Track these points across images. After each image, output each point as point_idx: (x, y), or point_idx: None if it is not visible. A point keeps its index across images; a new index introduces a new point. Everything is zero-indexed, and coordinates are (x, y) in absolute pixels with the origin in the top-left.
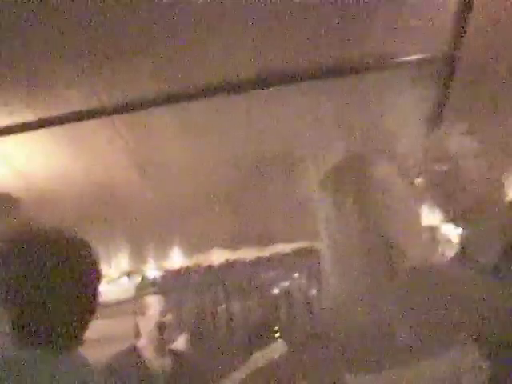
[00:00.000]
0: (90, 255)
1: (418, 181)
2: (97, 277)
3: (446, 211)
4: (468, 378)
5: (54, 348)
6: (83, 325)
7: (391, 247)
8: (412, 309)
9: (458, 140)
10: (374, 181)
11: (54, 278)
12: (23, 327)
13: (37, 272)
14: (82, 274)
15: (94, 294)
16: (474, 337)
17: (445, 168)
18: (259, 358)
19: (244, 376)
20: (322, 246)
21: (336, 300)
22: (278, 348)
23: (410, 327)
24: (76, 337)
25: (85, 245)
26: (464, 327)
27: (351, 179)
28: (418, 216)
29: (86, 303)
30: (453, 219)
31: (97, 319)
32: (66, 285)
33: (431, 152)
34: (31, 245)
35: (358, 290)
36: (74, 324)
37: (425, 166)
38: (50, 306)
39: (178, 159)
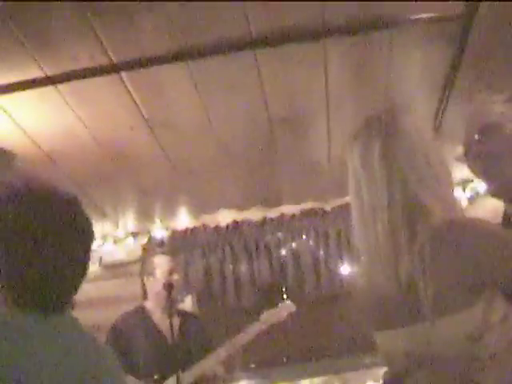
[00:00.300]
0: (82, 215)
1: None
2: (88, 237)
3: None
4: (491, 334)
5: (45, 309)
6: (74, 285)
7: (415, 204)
8: (434, 268)
9: (501, 108)
10: (402, 136)
11: (44, 236)
12: (13, 287)
13: (26, 229)
14: (74, 233)
15: (85, 255)
16: (500, 293)
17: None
18: (268, 318)
19: (253, 335)
20: (350, 201)
21: (361, 254)
22: (286, 308)
23: (433, 286)
24: (67, 297)
25: (77, 204)
26: (488, 285)
27: (380, 134)
28: (445, 174)
29: (76, 263)
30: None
31: (104, 280)
32: (57, 243)
33: (474, 120)
34: (22, 200)
35: (380, 244)
36: (65, 284)
37: (468, 136)
38: (39, 265)
39: (188, 118)
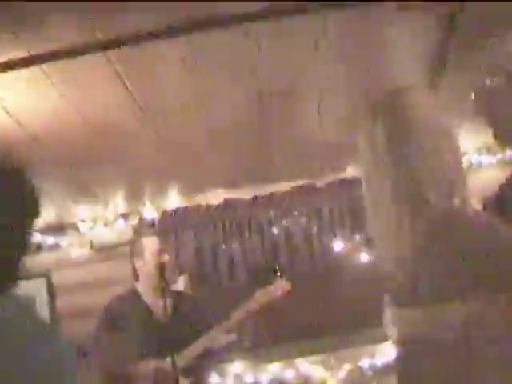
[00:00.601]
0: (30, 189)
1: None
2: (32, 213)
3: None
4: (495, 324)
5: None
6: (16, 262)
7: (419, 185)
8: (433, 254)
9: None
10: (409, 117)
11: None
12: None
13: None
14: (17, 208)
15: (27, 231)
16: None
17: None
18: (262, 296)
19: (246, 313)
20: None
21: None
22: (280, 286)
23: (432, 271)
24: (9, 275)
25: (24, 176)
26: (488, 278)
27: (387, 113)
28: (453, 158)
29: (17, 239)
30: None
31: (95, 262)
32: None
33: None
34: None
35: (384, 223)
36: (6, 261)
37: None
38: None
39: (177, 97)
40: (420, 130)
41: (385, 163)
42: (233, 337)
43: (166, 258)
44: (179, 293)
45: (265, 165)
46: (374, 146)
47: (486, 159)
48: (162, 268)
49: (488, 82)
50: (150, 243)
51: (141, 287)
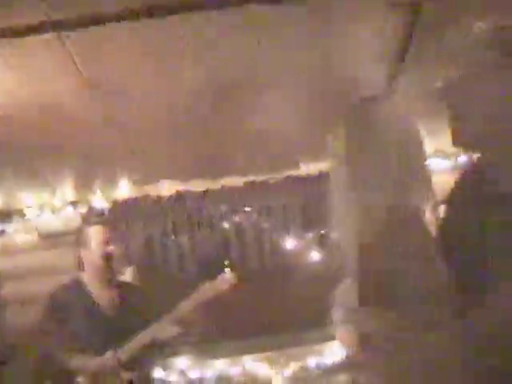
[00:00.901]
0: None
1: None
2: None
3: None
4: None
5: None
6: None
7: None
8: (385, 254)
9: None
10: (379, 121)
11: None
12: None
13: None
14: None
15: None
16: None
17: None
18: (207, 289)
19: (193, 306)
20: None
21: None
22: (226, 279)
23: (383, 271)
24: None
25: None
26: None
27: (359, 119)
28: (419, 158)
29: None
30: None
31: (41, 250)
32: None
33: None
34: None
35: (350, 219)
36: None
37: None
38: None
39: (132, 84)
40: (383, 133)
41: (348, 164)
42: (178, 329)
43: (112, 248)
44: (126, 284)
45: (218, 158)
46: (338, 147)
47: (440, 163)
48: (108, 258)
49: (449, 78)
50: (97, 232)
51: (86, 277)
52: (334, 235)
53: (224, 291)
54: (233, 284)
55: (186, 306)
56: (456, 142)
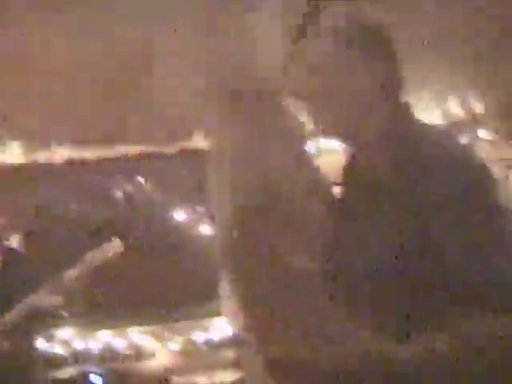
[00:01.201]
0: None
1: None
2: None
3: None
4: None
5: None
6: None
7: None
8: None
9: None
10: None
11: None
12: None
13: None
14: None
15: None
16: None
17: None
18: (92, 258)
19: (79, 273)
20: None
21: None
22: (112, 247)
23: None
24: None
25: None
26: None
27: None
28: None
29: None
30: None
31: None
32: None
33: None
34: None
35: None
36: None
37: None
38: None
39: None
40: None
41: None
42: (61, 299)
43: None
44: (11, 250)
45: (115, 125)
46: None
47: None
48: None
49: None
50: None
51: None
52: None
53: (110, 259)
54: (119, 252)
55: (70, 275)
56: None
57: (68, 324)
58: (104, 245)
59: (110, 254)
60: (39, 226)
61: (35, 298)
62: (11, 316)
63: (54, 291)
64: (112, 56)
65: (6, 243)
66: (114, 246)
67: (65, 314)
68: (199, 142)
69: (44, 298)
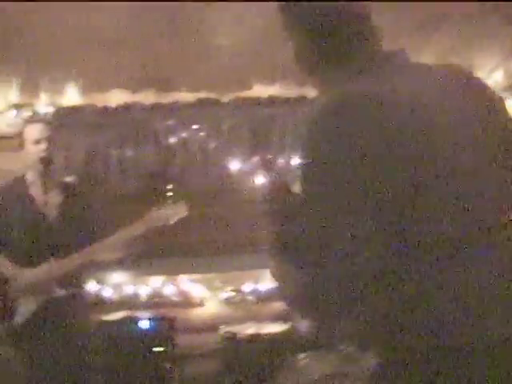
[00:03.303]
0: None
1: None
2: None
3: None
4: None
5: None
6: None
7: None
8: None
9: None
10: None
11: None
12: None
13: None
14: None
15: None
16: None
17: None
18: (154, 219)
19: (133, 234)
20: None
21: None
22: (176, 211)
23: None
24: None
25: None
26: None
27: None
28: None
29: None
30: None
31: None
32: None
33: None
34: None
35: None
36: None
37: None
38: None
39: None
40: None
41: None
42: (118, 253)
43: (50, 150)
44: (70, 185)
45: (171, 72)
46: None
47: None
48: (49, 162)
49: None
50: (36, 131)
51: (29, 179)
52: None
53: (173, 223)
54: (183, 217)
55: (127, 233)
56: None
57: (119, 269)
58: (169, 205)
59: (172, 222)
60: (93, 170)
61: (91, 251)
62: (66, 264)
63: (111, 246)
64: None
65: (66, 179)
66: (178, 210)
67: (117, 260)
68: (255, 91)
69: (100, 252)
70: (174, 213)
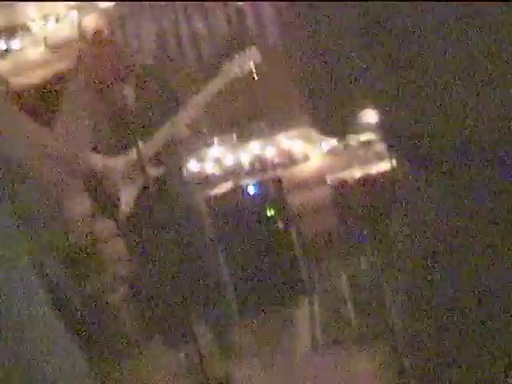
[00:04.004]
0: None
1: None
2: None
3: None
4: None
5: None
6: None
7: None
8: None
9: None
10: None
11: None
12: None
13: None
14: None
15: None
16: None
17: None
18: (229, 69)
19: (215, 91)
20: None
21: None
22: (249, 57)
23: None
24: None
25: None
26: None
27: None
28: None
29: None
30: None
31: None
32: None
33: None
34: None
35: None
36: None
37: None
38: None
39: None
40: None
41: None
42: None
43: (110, 35)
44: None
45: None
46: None
47: None
48: (107, 49)
49: None
50: (94, 19)
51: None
52: None
53: (248, 71)
54: (257, 62)
55: (208, 91)
56: None
57: (215, 142)
58: (240, 53)
59: (249, 66)
60: (166, 50)
61: (174, 123)
62: (155, 142)
63: (196, 107)
64: None
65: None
66: (251, 55)
67: (210, 132)
68: None
69: (182, 122)
70: (247, 59)
